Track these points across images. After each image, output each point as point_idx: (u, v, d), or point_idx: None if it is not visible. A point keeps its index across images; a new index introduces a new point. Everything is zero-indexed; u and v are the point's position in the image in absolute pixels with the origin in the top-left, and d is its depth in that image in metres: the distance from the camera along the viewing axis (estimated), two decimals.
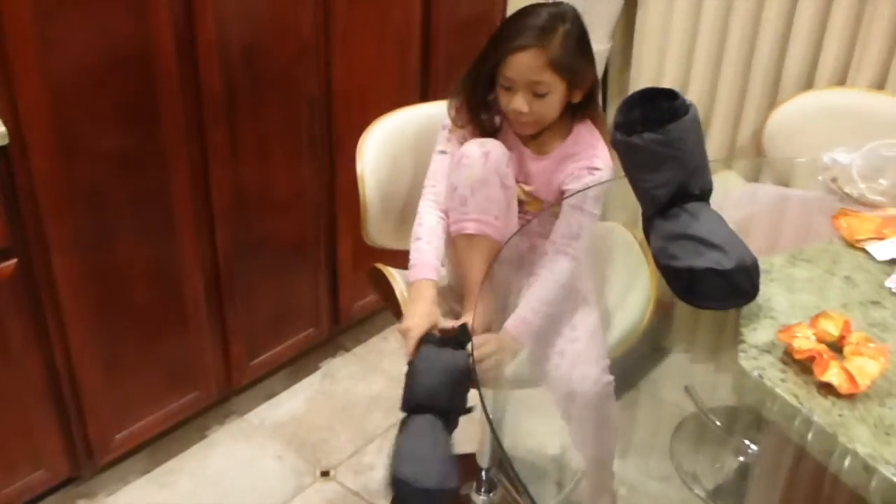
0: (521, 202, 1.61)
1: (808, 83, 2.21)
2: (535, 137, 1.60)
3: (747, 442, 2.08)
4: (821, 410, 0.95)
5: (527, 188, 1.60)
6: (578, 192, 1.56)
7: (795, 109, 2.11)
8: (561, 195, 1.58)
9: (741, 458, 2.09)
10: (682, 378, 2.30)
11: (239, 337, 2.11)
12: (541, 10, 1.49)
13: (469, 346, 1.37)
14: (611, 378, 1.43)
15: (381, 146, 1.71)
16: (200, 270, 1.95)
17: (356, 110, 2.16)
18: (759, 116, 2.28)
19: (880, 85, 2.09)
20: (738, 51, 2.28)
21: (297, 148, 2.07)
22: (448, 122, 1.62)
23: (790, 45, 2.19)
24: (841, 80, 2.16)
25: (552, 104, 1.51)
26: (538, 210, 1.62)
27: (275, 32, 1.90)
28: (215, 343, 2.06)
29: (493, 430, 1.07)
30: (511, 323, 1.49)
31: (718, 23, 2.31)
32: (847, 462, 0.90)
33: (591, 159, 1.55)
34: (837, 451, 0.91)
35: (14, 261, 1.60)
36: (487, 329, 1.48)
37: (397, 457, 1.34)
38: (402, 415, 1.44)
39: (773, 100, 2.27)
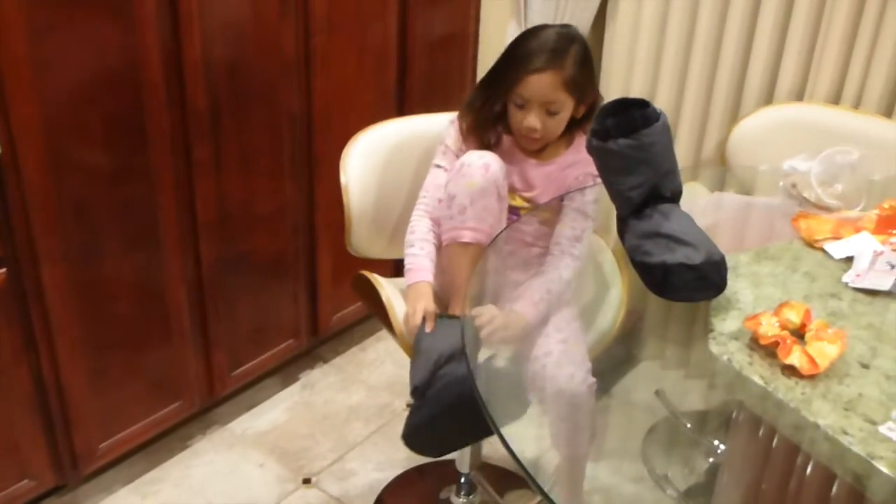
0: (518, 208, 1.70)
1: (768, 98, 2.30)
2: (539, 149, 1.69)
3: (717, 442, 2.15)
4: (785, 389, 1.03)
5: (526, 195, 1.69)
6: (573, 191, 1.66)
7: (756, 123, 2.21)
8: (560, 200, 1.68)
9: (711, 459, 2.15)
10: (653, 384, 2.36)
11: (221, 347, 2.14)
12: (549, 31, 1.59)
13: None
14: (594, 380, 1.49)
15: (364, 158, 1.77)
16: (184, 282, 1.98)
17: (336, 126, 2.22)
18: (723, 130, 2.37)
19: (835, 100, 2.19)
20: (701, 68, 2.38)
21: (279, 163, 2.12)
22: (446, 138, 1.71)
23: (751, 63, 2.28)
24: (799, 96, 2.25)
25: (562, 121, 1.62)
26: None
27: (258, 51, 1.96)
28: (198, 353, 2.10)
29: (499, 435, 1.13)
30: (519, 305, 1.56)
31: (683, 42, 2.40)
32: (811, 434, 0.98)
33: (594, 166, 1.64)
34: (802, 425, 0.99)
35: (4, 271, 1.63)
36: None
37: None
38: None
39: (735, 114, 2.36)
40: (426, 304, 1.55)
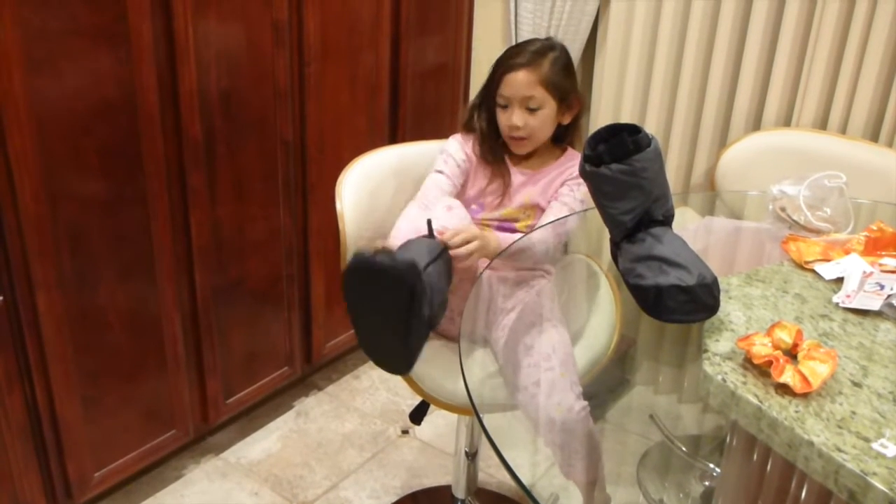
0: (513, 220, 1.77)
1: (756, 125, 2.34)
2: (530, 158, 1.79)
3: (712, 466, 2.15)
4: (779, 407, 1.04)
5: (520, 205, 1.77)
6: (563, 189, 1.76)
7: (745, 149, 2.24)
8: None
9: (706, 483, 2.16)
10: (647, 409, 2.38)
11: (215, 376, 2.14)
12: (534, 41, 1.74)
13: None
14: (585, 403, 1.50)
15: (359, 184, 1.78)
16: (179, 310, 1.99)
17: (329, 154, 2.24)
18: (711, 156, 2.40)
19: (822, 126, 2.23)
20: (689, 96, 2.41)
21: (273, 191, 2.14)
22: (448, 147, 1.79)
23: (738, 90, 2.32)
24: (786, 122, 2.29)
25: (545, 120, 1.72)
26: (528, 225, 1.77)
27: (252, 80, 1.98)
28: (192, 382, 2.10)
29: (502, 458, 1.13)
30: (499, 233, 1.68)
31: (671, 70, 2.44)
32: (805, 452, 0.99)
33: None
34: (796, 443, 1.00)
35: (0, 299, 1.64)
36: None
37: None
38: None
39: (723, 140, 2.39)
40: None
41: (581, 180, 1.71)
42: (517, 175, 1.77)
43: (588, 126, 2.68)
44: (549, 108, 1.71)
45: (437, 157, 1.79)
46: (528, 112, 1.70)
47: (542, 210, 1.77)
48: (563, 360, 1.56)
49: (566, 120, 1.76)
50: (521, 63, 1.68)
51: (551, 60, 1.69)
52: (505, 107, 1.71)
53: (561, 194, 1.76)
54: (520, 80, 1.68)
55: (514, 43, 2.52)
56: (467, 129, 1.81)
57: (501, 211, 1.77)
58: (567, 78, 1.72)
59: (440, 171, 1.77)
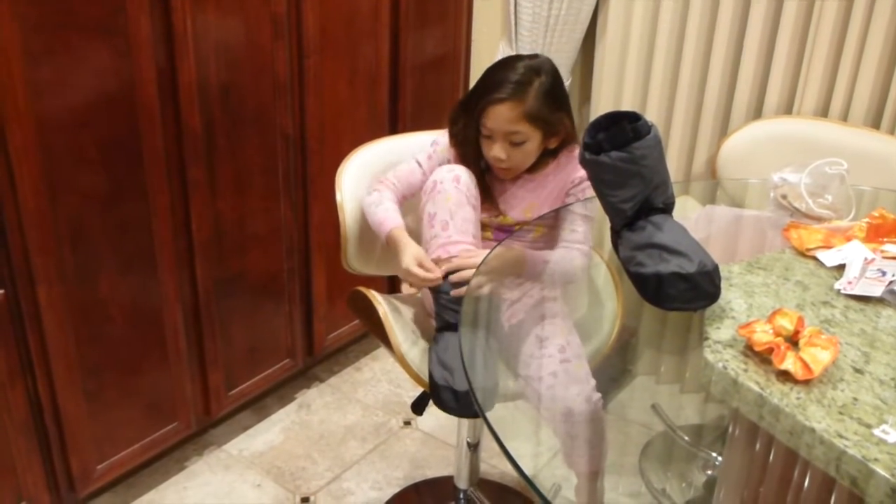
0: (511, 226, 1.73)
1: (757, 113, 2.33)
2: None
3: (714, 455, 2.15)
4: (780, 394, 1.03)
5: (517, 216, 1.73)
6: (573, 201, 1.71)
7: (746, 137, 2.23)
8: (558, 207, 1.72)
9: (709, 472, 2.16)
10: (649, 399, 2.37)
11: (217, 368, 2.14)
12: (518, 64, 1.60)
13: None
14: (599, 395, 1.50)
15: (358, 176, 1.78)
16: (180, 303, 1.99)
17: (329, 146, 2.24)
18: (713, 144, 2.40)
19: (823, 113, 2.22)
20: (690, 84, 2.40)
21: (273, 184, 2.14)
22: (437, 140, 1.74)
23: (739, 79, 2.31)
24: (787, 110, 2.28)
25: (528, 152, 1.64)
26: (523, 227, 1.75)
27: (251, 72, 1.98)
28: (194, 374, 2.10)
29: (505, 450, 1.13)
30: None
31: (672, 59, 2.43)
32: (807, 439, 0.99)
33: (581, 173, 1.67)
34: (798, 430, 1.00)
35: (1, 293, 1.64)
36: None
37: (434, 364, 1.56)
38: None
39: (724, 129, 2.39)
40: (418, 252, 1.59)
41: (586, 185, 1.68)
42: (516, 180, 1.73)
43: (588, 116, 2.67)
44: (534, 140, 1.62)
45: (426, 147, 1.74)
46: (511, 145, 1.61)
47: (540, 215, 1.74)
48: (575, 352, 1.56)
49: (553, 145, 1.67)
50: (505, 96, 1.56)
51: (536, 90, 1.57)
52: (488, 136, 1.62)
53: (573, 207, 1.69)
54: (503, 116, 1.57)
55: (513, 33, 2.51)
56: (452, 137, 1.73)
57: (500, 217, 1.74)
58: (553, 108, 1.61)
59: (419, 164, 1.73)
